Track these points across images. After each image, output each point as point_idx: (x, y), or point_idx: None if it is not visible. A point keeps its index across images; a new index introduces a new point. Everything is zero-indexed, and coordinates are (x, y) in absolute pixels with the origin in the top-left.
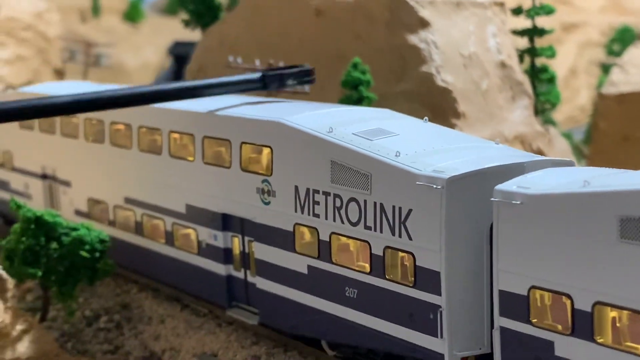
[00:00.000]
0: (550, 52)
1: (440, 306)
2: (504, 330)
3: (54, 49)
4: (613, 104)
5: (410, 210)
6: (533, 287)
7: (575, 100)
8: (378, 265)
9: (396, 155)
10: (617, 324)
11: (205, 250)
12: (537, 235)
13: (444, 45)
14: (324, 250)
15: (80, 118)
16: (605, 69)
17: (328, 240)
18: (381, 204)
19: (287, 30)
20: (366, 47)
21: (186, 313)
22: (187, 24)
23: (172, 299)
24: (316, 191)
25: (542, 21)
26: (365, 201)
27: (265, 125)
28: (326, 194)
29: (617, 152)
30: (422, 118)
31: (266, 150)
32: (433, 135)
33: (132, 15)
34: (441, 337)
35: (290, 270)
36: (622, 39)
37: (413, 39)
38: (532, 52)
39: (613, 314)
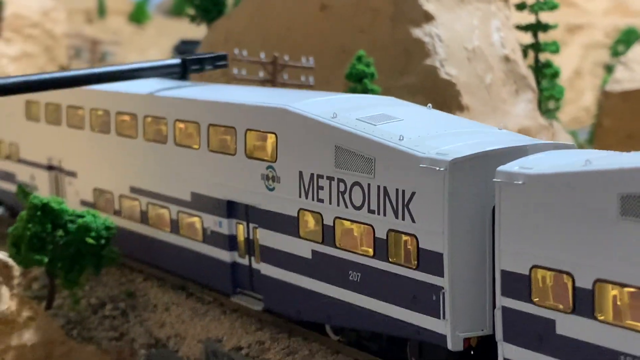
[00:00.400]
0: (554, 48)
1: (442, 287)
2: (505, 310)
3: (60, 47)
4: (617, 102)
5: (413, 193)
6: (535, 266)
7: (580, 102)
8: (381, 249)
9: (400, 139)
10: (618, 302)
11: (210, 238)
12: (539, 215)
13: (448, 39)
14: (328, 234)
15: (86, 109)
16: (610, 70)
17: (332, 224)
18: (385, 188)
19: (292, 25)
20: (370, 40)
21: (191, 301)
22: (192, 19)
23: (177, 288)
24: (320, 176)
25: (545, 17)
26: (369, 185)
27: (270, 112)
28: (330, 178)
29: (621, 149)
30: None
31: (271, 137)
32: (436, 121)
33: (137, 16)
34: (444, 318)
35: (295, 256)
36: (626, 40)
37: (417, 32)
38: (536, 47)
39: (614, 291)
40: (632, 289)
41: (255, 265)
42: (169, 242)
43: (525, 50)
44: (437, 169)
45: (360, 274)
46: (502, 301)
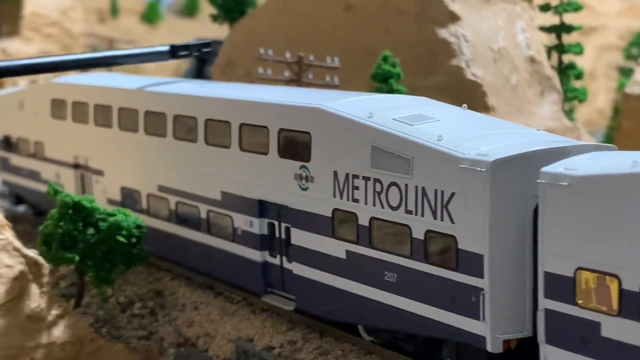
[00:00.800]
0: (578, 49)
1: (482, 289)
2: (548, 312)
3: (78, 45)
4: (637, 104)
5: (453, 194)
6: (579, 268)
7: (594, 104)
8: (419, 249)
9: (438, 140)
10: None
11: (241, 237)
12: (584, 217)
13: (473, 39)
14: (363, 235)
15: (114, 107)
16: (624, 72)
17: (368, 225)
18: (423, 188)
19: (316, 25)
20: (395, 41)
21: (220, 300)
22: (215, 19)
23: (205, 287)
24: (356, 176)
25: (569, 18)
26: (406, 185)
27: (304, 112)
28: (366, 178)
29: None
30: None
31: (305, 137)
32: (474, 121)
33: (149, 16)
34: (483, 320)
35: (329, 256)
36: None
37: (443, 32)
38: (560, 48)
39: None
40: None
41: (287, 265)
42: (199, 242)
43: (549, 51)
44: (479, 169)
45: (396, 275)
46: (545, 303)
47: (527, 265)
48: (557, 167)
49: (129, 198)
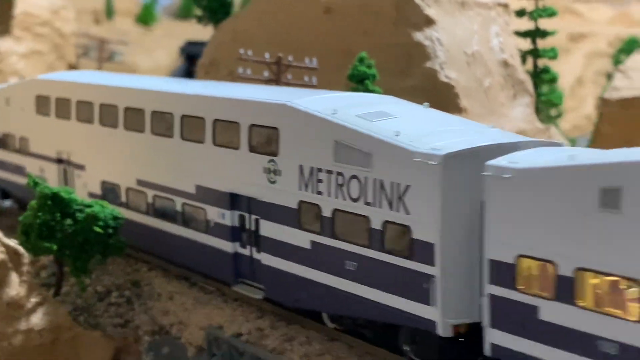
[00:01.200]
0: (552, 54)
1: (434, 276)
2: (492, 298)
3: (69, 45)
4: (616, 109)
5: (408, 186)
6: (520, 255)
7: (582, 109)
8: (377, 239)
9: (396, 135)
10: (598, 289)
11: (214, 229)
12: (525, 207)
13: (448, 43)
14: (326, 226)
15: (95, 104)
16: (610, 78)
17: (331, 216)
18: (381, 181)
19: (297, 27)
20: (373, 43)
21: (194, 290)
22: (200, 19)
23: (181, 278)
24: (320, 170)
25: (545, 23)
26: (365, 178)
27: (273, 108)
28: (329, 172)
29: None
30: None
31: (273, 132)
32: (432, 119)
33: (145, 18)
34: (434, 305)
35: (294, 246)
36: (629, 49)
37: (418, 36)
38: (535, 53)
39: (594, 279)
40: (610, 278)
41: (256, 255)
42: (174, 234)
43: (524, 56)
44: (431, 163)
45: (356, 264)
46: (489, 289)
47: (476, 254)
48: (500, 161)
49: (109, 192)
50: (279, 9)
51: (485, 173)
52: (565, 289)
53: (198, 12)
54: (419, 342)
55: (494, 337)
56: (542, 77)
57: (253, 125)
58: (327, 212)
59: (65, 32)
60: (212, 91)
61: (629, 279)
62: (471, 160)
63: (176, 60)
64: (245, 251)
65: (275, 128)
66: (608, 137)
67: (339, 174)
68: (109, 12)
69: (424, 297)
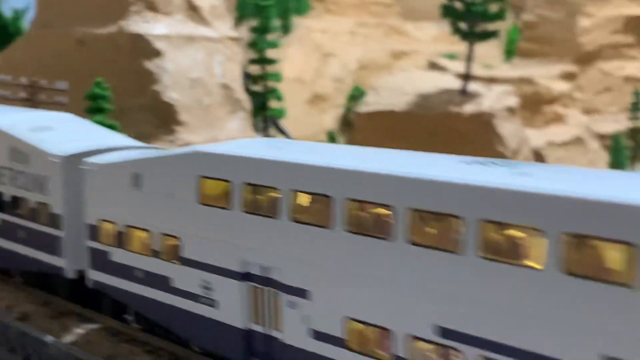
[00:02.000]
0: (276, 78)
1: (62, 237)
2: (89, 249)
3: None
4: (366, 121)
5: (47, 177)
6: (101, 219)
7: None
8: (34, 213)
9: (42, 141)
10: (141, 239)
11: None
12: (102, 188)
13: (173, 70)
14: (7, 207)
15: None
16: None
17: (10, 200)
18: (34, 174)
19: (57, 56)
20: (115, 69)
21: None
22: None
23: None
24: (3, 167)
25: (272, 53)
26: (27, 172)
27: None
28: (7, 168)
29: None
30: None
31: None
32: (87, 132)
33: None
34: (64, 257)
35: None
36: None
37: (149, 64)
38: (264, 77)
39: (110, 226)
40: (116, 227)
41: None
42: None
43: (254, 78)
44: (56, 161)
45: (25, 232)
46: (87, 243)
47: (83, 221)
48: (92, 159)
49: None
50: (43, 41)
51: (81, 166)
52: (122, 239)
53: None
54: (59, 285)
55: (92, 275)
56: (268, 96)
57: None
58: (7, 198)
59: None
60: None
61: (143, 229)
62: (81, 159)
63: None
64: None
65: None
66: (361, 143)
67: (12, 169)
68: None
69: (59, 252)
